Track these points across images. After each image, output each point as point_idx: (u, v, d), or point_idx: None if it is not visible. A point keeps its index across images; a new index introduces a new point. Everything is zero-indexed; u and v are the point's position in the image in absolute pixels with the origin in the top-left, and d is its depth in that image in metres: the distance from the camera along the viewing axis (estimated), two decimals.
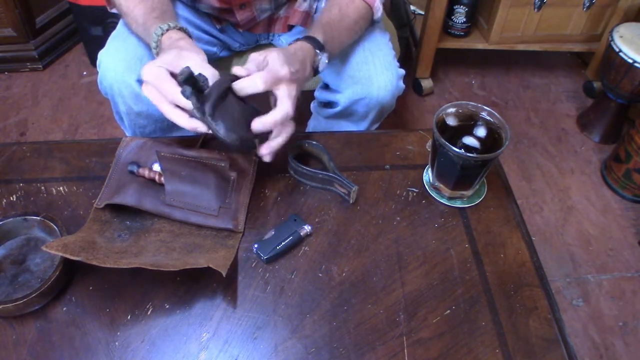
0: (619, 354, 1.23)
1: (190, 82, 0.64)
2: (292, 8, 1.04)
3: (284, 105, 0.71)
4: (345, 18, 0.89)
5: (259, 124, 0.70)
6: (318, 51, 0.80)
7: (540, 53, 1.83)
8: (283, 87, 0.72)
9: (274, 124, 0.71)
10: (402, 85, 0.99)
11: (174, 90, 0.67)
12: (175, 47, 0.74)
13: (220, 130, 0.67)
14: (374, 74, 0.93)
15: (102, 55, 0.90)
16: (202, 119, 0.67)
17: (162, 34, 0.77)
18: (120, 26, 0.96)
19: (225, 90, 0.68)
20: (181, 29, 0.79)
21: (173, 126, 0.97)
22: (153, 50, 0.79)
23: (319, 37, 0.81)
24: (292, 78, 0.72)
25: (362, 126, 1.02)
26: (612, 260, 1.41)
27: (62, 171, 0.82)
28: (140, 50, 0.90)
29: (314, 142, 0.83)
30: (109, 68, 0.88)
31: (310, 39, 0.81)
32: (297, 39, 0.81)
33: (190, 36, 0.79)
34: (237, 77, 0.71)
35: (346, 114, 1.00)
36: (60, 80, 1.85)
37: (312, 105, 1.12)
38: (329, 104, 1.03)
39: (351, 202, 0.79)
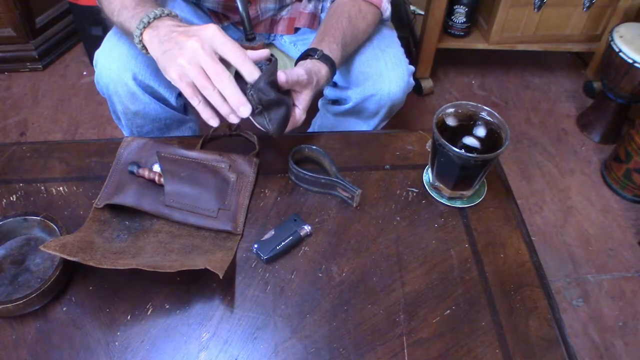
0: (619, 354, 1.23)
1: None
2: (297, 9, 1.04)
3: (302, 108, 0.78)
4: (355, 30, 0.89)
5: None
6: (331, 76, 0.82)
7: (540, 53, 1.83)
8: (307, 90, 0.77)
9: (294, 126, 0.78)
10: (412, 81, 0.98)
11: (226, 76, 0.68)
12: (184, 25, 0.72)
13: (271, 127, 0.72)
14: (385, 70, 0.92)
15: (98, 55, 0.89)
16: (257, 113, 0.71)
17: (161, 16, 0.73)
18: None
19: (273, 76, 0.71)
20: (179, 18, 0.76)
21: (171, 125, 0.97)
22: (135, 31, 0.73)
23: (336, 59, 0.82)
24: (313, 88, 0.78)
25: (372, 123, 1.01)
26: (612, 260, 1.41)
27: (62, 171, 0.82)
28: (136, 48, 0.89)
29: (314, 147, 0.83)
30: (104, 67, 0.87)
31: (327, 61, 0.81)
32: (313, 57, 0.81)
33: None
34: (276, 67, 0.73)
35: (356, 111, 0.99)
36: (60, 80, 1.85)
37: (320, 102, 1.10)
38: (337, 101, 1.02)
39: (354, 205, 0.78)
